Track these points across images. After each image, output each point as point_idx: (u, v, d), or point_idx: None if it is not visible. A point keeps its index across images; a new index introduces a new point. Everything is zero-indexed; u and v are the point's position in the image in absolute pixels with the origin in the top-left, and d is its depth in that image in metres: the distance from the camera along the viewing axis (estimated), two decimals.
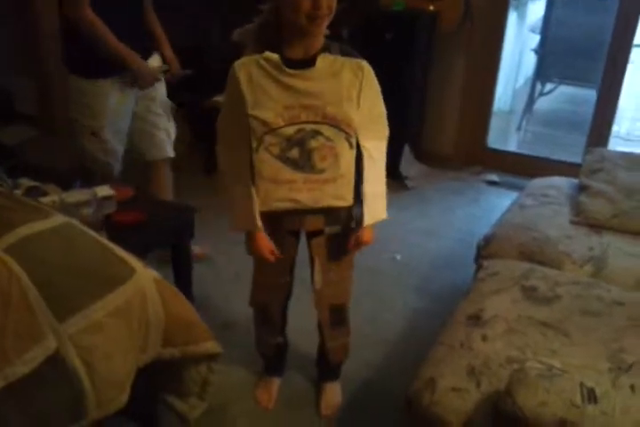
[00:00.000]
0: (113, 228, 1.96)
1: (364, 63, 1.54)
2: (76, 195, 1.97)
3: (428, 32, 3.51)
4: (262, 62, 1.50)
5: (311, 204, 1.61)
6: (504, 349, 1.59)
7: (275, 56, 1.50)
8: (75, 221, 1.50)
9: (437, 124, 3.83)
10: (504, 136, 4.47)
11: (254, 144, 1.55)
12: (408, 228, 3.13)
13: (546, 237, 2.18)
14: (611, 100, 3.54)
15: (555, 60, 4.56)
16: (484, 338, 1.63)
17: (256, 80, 1.51)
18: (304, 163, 1.55)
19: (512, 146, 4.40)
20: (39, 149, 3.73)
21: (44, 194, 2.08)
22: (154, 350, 1.46)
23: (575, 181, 2.60)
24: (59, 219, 1.46)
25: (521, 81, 5.21)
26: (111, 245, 1.47)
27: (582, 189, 2.44)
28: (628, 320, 1.70)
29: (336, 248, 1.74)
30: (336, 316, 1.87)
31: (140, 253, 1.69)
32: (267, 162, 1.56)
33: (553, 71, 4.64)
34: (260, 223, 1.62)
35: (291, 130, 1.52)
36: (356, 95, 1.53)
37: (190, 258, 2.35)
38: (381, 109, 1.63)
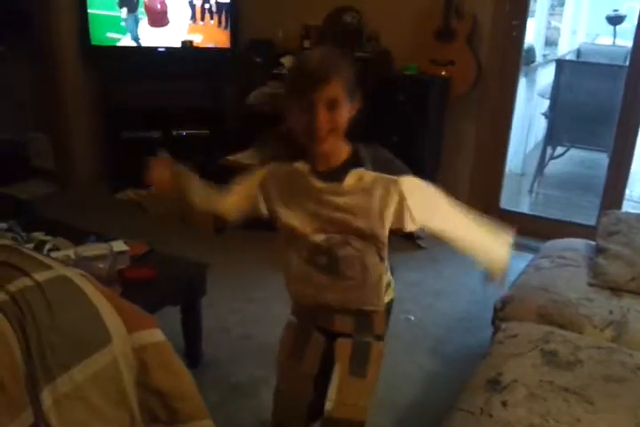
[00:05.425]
0: (124, 283, 1.94)
1: (401, 179, 1.43)
2: (93, 249, 1.96)
3: (441, 96, 3.57)
4: (292, 174, 1.44)
5: (339, 304, 1.53)
6: (526, 416, 1.52)
7: (306, 169, 1.42)
8: (73, 276, 1.41)
9: (450, 186, 3.74)
10: (516, 198, 4.48)
11: (283, 244, 1.52)
12: (422, 288, 3.08)
13: (566, 300, 2.12)
14: (623, 165, 3.55)
15: (565, 124, 4.61)
16: (505, 404, 1.57)
17: (286, 188, 1.46)
18: (332, 269, 1.49)
19: (524, 208, 4.39)
20: (54, 203, 3.76)
21: (56, 248, 2.07)
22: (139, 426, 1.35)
23: (591, 242, 2.56)
24: (54, 272, 1.37)
25: (532, 144, 5.27)
26: (103, 305, 1.37)
27: (599, 251, 2.40)
28: None
29: (362, 359, 1.57)
30: None
31: (151, 309, 1.66)
32: (297, 265, 1.51)
33: (563, 135, 4.68)
34: None
35: (319, 238, 1.46)
36: (398, 211, 1.44)
37: (200, 316, 2.31)
38: (441, 201, 1.61)
